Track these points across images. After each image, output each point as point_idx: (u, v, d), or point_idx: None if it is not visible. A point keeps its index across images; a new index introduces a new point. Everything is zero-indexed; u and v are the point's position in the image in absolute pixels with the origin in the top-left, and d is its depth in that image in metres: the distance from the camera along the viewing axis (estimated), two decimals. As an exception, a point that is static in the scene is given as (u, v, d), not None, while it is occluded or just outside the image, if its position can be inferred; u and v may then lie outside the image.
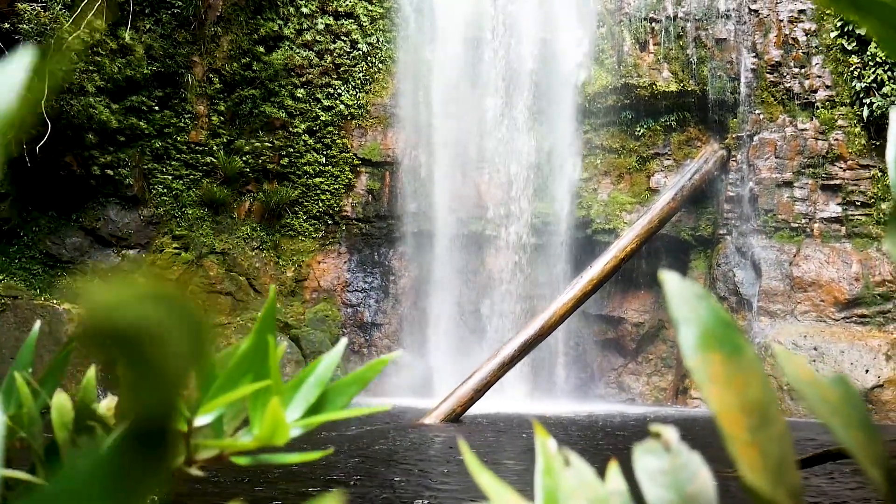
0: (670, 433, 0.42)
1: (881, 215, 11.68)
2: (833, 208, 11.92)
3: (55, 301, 10.78)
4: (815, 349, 11.05)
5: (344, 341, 0.70)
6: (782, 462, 0.39)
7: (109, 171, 12.52)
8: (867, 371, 10.69)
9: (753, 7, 12.46)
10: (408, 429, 8.76)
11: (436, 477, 5.40)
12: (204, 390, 0.54)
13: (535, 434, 0.45)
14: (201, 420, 0.53)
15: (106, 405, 0.68)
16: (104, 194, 12.77)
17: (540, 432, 0.45)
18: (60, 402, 0.63)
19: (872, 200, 11.74)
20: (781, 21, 12.29)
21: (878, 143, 11.73)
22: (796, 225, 12.01)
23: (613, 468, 0.47)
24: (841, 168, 11.92)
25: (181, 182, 13.35)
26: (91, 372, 0.71)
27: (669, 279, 0.41)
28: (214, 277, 13.09)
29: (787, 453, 0.38)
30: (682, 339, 0.40)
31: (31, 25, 10.32)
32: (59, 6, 10.50)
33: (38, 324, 0.78)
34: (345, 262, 14.02)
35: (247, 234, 13.67)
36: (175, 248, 12.96)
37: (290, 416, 0.56)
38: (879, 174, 11.72)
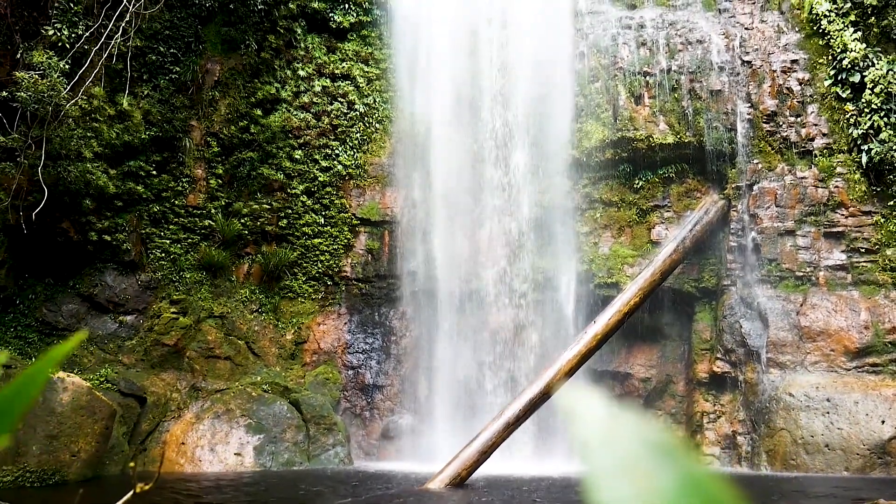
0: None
1: (887, 262, 11.54)
2: (837, 256, 11.77)
3: (50, 370, 10.55)
4: (829, 400, 10.76)
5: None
6: None
7: (107, 237, 12.44)
8: (883, 422, 10.38)
9: (746, 59, 12.56)
10: (412, 495, 8.46)
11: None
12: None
13: None
14: None
15: None
16: (101, 260, 12.66)
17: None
18: None
19: (877, 247, 11.61)
20: (775, 71, 12.37)
21: (878, 189, 11.66)
22: (801, 273, 11.85)
23: None
24: (843, 215, 11.82)
25: (179, 246, 13.26)
26: None
27: (577, 403, 0.23)
28: (213, 342, 12.89)
29: None
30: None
31: (29, 93, 10.36)
32: (57, 74, 10.57)
33: None
34: (345, 324, 13.82)
35: (246, 296, 13.51)
36: (173, 312, 12.79)
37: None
38: (882, 220, 11.62)
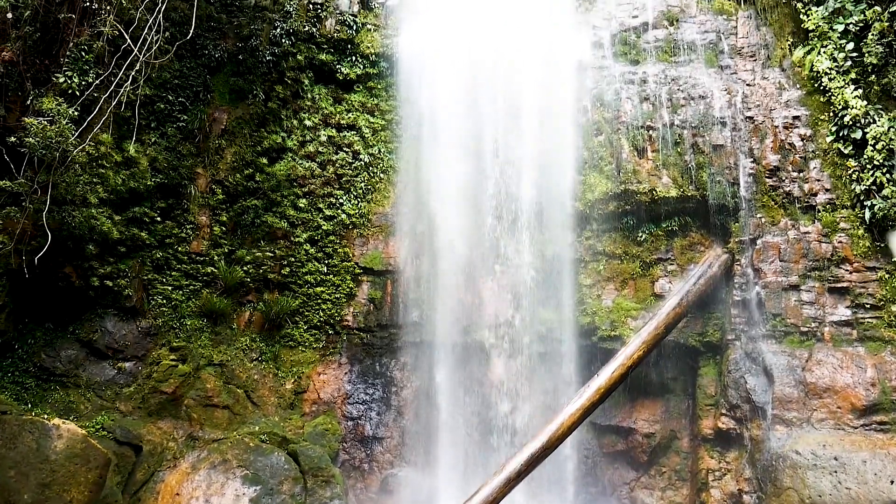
0: None
1: (892, 318, 11.45)
2: (842, 311, 11.69)
3: (45, 416, 10.42)
4: (836, 459, 10.57)
5: None
6: None
7: (109, 283, 12.42)
8: (892, 482, 10.17)
9: (748, 114, 12.70)
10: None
11: None
12: None
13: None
14: None
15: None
16: (102, 305, 12.61)
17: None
18: None
19: (882, 303, 11.54)
20: (777, 127, 12.50)
21: (882, 245, 11.64)
22: (806, 329, 11.76)
23: None
24: (847, 271, 11.78)
25: (181, 292, 13.23)
26: None
27: None
28: (212, 390, 12.75)
29: None
30: None
31: (38, 139, 10.46)
32: (66, 120, 10.69)
33: None
34: (345, 374, 13.69)
35: (246, 345, 13.42)
36: (172, 359, 12.69)
37: None
38: (886, 276, 11.57)
